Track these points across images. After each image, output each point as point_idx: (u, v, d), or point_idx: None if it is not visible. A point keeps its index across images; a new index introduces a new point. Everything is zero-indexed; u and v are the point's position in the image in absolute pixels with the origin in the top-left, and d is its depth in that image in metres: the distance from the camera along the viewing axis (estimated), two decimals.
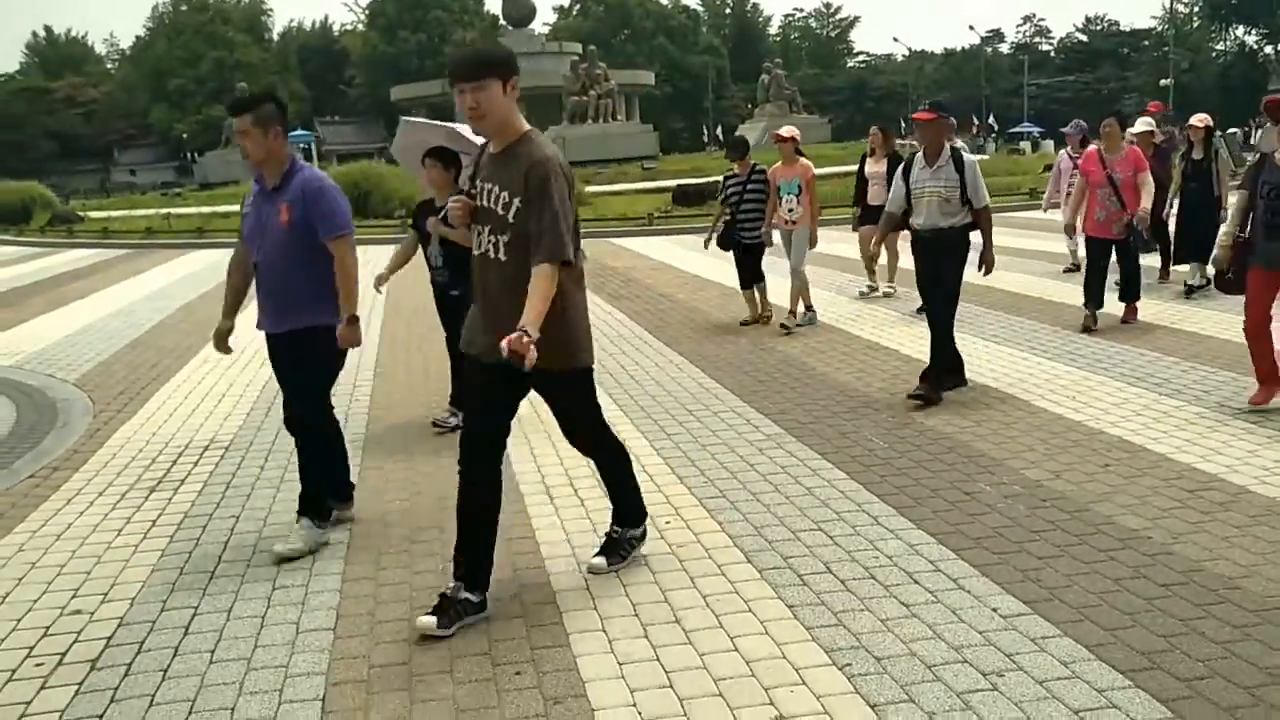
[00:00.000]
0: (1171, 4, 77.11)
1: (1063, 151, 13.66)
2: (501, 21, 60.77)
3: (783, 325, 9.84)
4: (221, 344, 5.13)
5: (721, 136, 57.50)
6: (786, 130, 10.19)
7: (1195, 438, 5.91)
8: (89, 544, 5.06)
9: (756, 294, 10.31)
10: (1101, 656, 3.54)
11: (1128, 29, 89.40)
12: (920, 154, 7.05)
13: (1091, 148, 9.46)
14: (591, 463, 4.66)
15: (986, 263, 7.12)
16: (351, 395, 8.00)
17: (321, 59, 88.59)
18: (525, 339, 3.63)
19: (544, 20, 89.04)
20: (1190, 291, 10.55)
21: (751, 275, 10.20)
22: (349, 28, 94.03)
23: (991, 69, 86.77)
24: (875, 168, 11.48)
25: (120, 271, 19.57)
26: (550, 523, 5.08)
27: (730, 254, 10.27)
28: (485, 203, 3.99)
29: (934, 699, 3.33)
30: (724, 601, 4.10)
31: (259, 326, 4.95)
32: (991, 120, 65.83)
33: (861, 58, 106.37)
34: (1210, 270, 8.74)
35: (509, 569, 4.50)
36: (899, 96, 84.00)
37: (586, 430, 4.38)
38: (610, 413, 7.01)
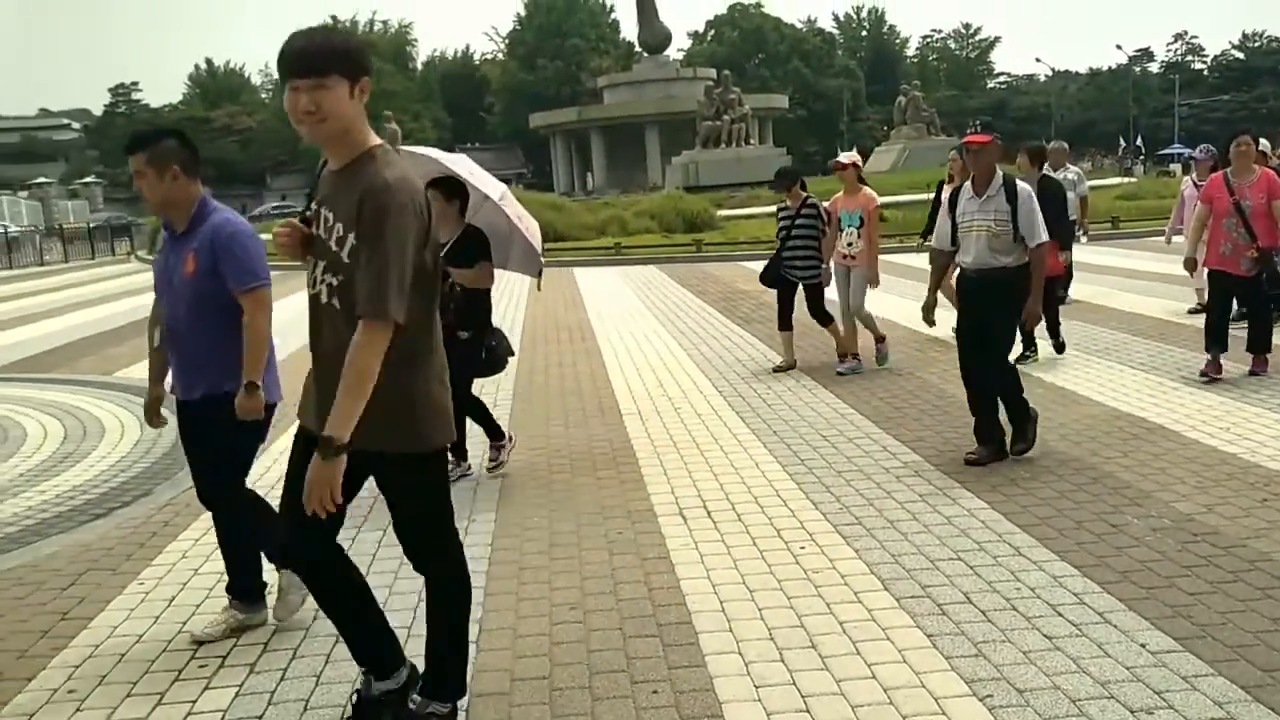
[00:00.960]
0: None
1: (1188, 178, 12.52)
2: (637, 48, 61.54)
3: (840, 367, 9.17)
4: (152, 416, 4.46)
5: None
6: (846, 156, 9.43)
7: None
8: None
9: (804, 334, 9.58)
10: (1260, 698, 3.40)
11: None
12: (969, 183, 6.36)
13: (1218, 173, 8.46)
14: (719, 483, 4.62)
15: (1029, 315, 6.25)
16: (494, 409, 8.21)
17: (463, 87, 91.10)
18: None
19: (679, 46, 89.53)
20: None
21: (816, 316, 9.35)
22: (489, 56, 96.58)
23: (1140, 89, 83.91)
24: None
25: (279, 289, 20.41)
26: (684, 543, 5.13)
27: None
28: (320, 232, 3.17)
29: None
30: (861, 628, 4.08)
31: (171, 390, 4.35)
32: (1139, 142, 63.67)
33: (1002, 78, 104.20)
34: None
35: (644, 587, 4.57)
36: (1042, 117, 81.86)
37: (427, 532, 3.33)
38: (743, 437, 7.08)
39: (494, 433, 6.65)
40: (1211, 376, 7.90)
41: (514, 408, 8.48)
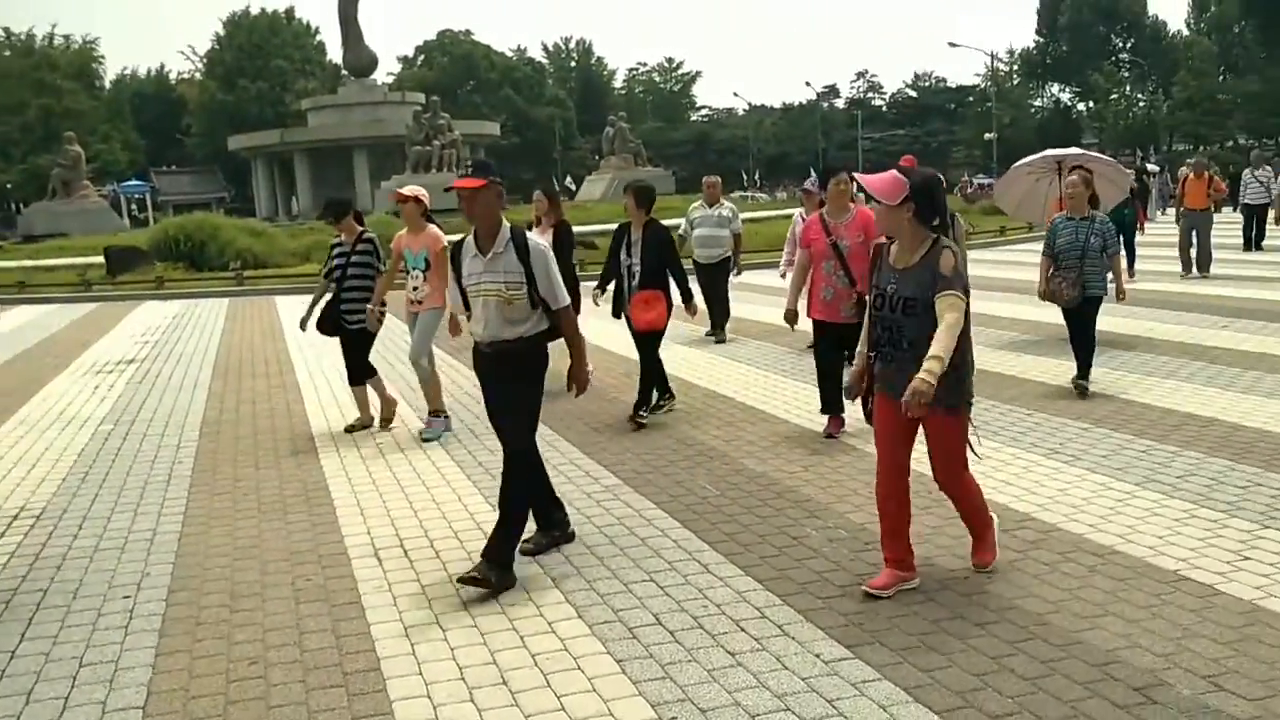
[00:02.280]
0: (993, 62, 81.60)
1: (798, 212, 11.81)
2: (343, 71, 60.02)
3: (384, 422, 8.38)
4: None
5: (573, 187, 57.92)
6: (409, 189, 8.07)
7: (1011, 478, 6.17)
8: None
9: (372, 391, 8.41)
10: (919, 698, 3.63)
11: (954, 85, 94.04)
12: (471, 239, 5.18)
13: (815, 213, 7.74)
14: (419, 520, 4.53)
15: (576, 382, 5.30)
16: (175, 457, 7.69)
17: (157, 108, 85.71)
18: None
19: (388, 70, 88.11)
20: None
21: (359, 369, 8.28)
22: (185, 76, 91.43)
23: (828, 123, 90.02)
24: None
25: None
26: (377, 585, 4.94)
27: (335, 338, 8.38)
28: None
29: None
30: (553, 659, 4.06)
31: None
32: (813, 174, 68.07)
33: (704, 112, 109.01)
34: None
35: (331, 635, 4.37)
36: (741, 149, 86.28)
37: None
38: (447, 470, 6.95)
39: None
40: (831, 434, 7.35)
41: (199, 448, 7.96)
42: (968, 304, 4.40)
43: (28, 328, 17.22)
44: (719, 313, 12.20)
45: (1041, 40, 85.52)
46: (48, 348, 14.74)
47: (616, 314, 8.37)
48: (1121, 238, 15.23)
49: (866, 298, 4.89)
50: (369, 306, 7.99)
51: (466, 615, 4.53)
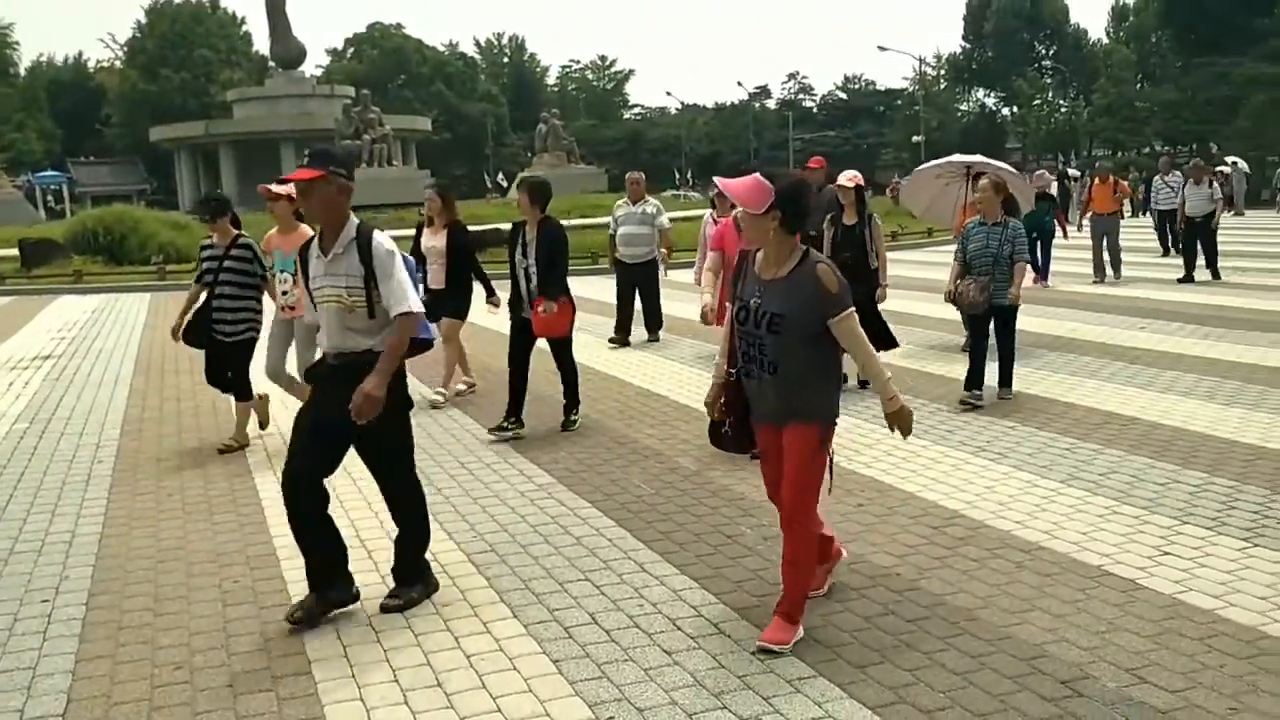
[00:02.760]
0: (920, 66, 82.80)
1: (707, 214, 11.09)
2: (270, 63, 59.03)
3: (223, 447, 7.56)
4: None
5: (505, 183, 57.52)
6: (279, 186, 7.06)
7: (940, 476, 6.26)
8: None
9: (253, 409, 7.80)
10: (853, 694, 3.67)
11: (883, 89, 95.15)
12: (316, 241, 4.54)
13: (727, 217, 7.40)
14: (350, 520, 4.43)
15: (357, 399, 4.22)
16: (95, 456, 7.49)
17: (75, 96, 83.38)
18: None
19: (316, 63, 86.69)
20: (864, 384, 8.43)
21: (238, 386, 7.62)
22: (105, 64, 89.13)
23: (759, 123, 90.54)
24: (433, 241, 8.79)
25: None
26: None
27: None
28: None
29: None
30: (488, 660, 4.02)
31: None
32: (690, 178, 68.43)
33: (637, 110, 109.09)
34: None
35: (260, 638, 4.29)
36: (674, 148, 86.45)
37: None
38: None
39: None
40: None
41: (120, 446, 7.76)
42: None
43: None
44: (650, 314, 12.19)
45: (967, 46, 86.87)
46: None
47: (514, 316, 7.77)
48: (1040, 242, 15.48)
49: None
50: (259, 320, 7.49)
51: (400, 617, 4.47)
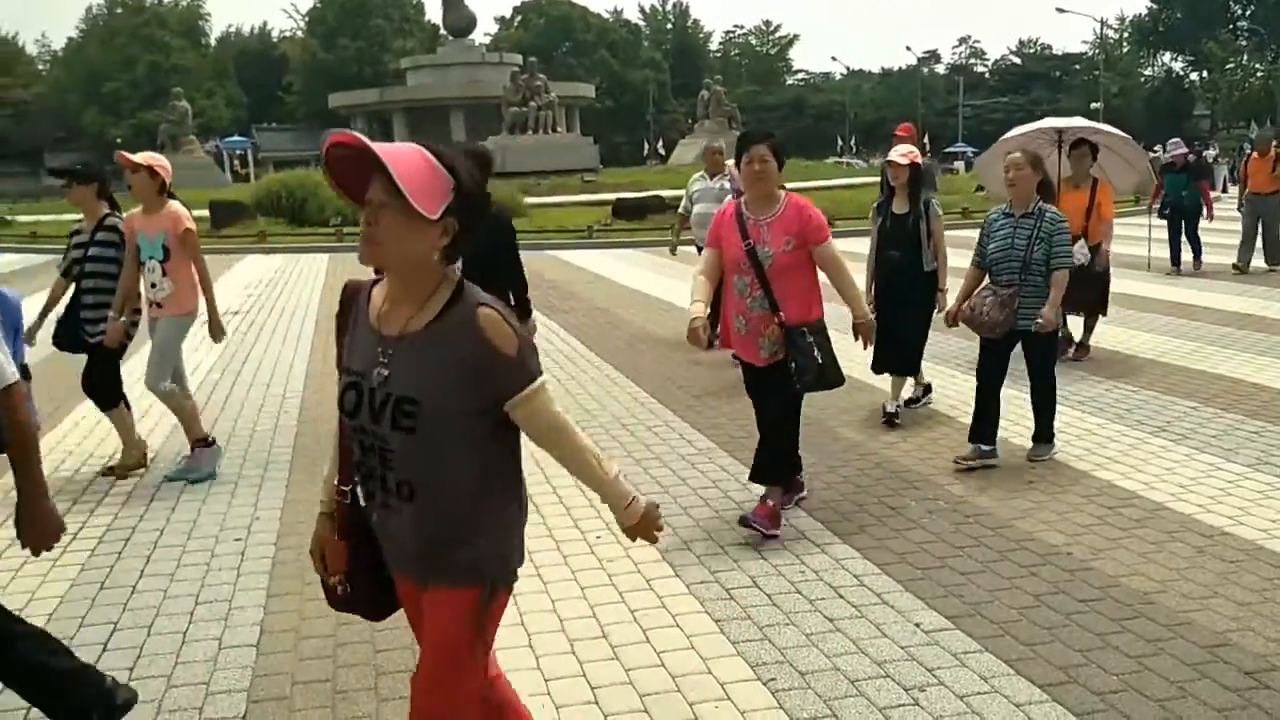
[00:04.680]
0: (1102, 29, 79.11)
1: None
2: (441, 31, 60.46)
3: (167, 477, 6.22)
4: None
5: (663, 150, 57.70)
6: (142, 156, 6.06)
7: (1116, 455, 6.04)
8: (4, 558, 4.93)
9: (128, 416, 6.32)
10: (1021, 671, 3.60)
11: (1060, 53, 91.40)
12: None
13: (731, 200, 6.06)
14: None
15: (25, 532, 3.09)
16: (280, 408, 7.91)
17: (260, 65, 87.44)
18: None
19: (485, 31, 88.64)
20: (891, 420, 6.89)
21: (105, 391, 6.16)
22: (288, 34, 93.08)
23: (928, 89, 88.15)
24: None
25: (47, 278, 19.12)
26: None
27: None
28: None
29: (856, 714, 3.37)
30: (651, 616, 4.11)
31: None
32: (926, 139, 66.78)
33: (800, 76, 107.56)
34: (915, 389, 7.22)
35: None
36: (837, 114, 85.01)
37: None
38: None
39: None
40: (764, 529, 4.87)
41: (304, 399, 8.18)
42: None
43: None
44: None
45: (1154, 6, 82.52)
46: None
47: None
48: (1184, 225, 13.71)
49: (801, 329, 4.82)
50: (109, 314, 5.96)
51: (566, 569, 4.61)
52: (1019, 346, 5.99)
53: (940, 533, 4.92)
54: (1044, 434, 6.12)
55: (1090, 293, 8.30)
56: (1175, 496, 5.32)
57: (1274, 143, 14.29)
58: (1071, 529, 4.91)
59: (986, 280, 5.97)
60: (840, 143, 76.10)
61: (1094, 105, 65.62)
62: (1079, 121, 9.20)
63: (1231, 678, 3.51)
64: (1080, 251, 7.62)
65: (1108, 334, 9.80)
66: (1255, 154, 14.67)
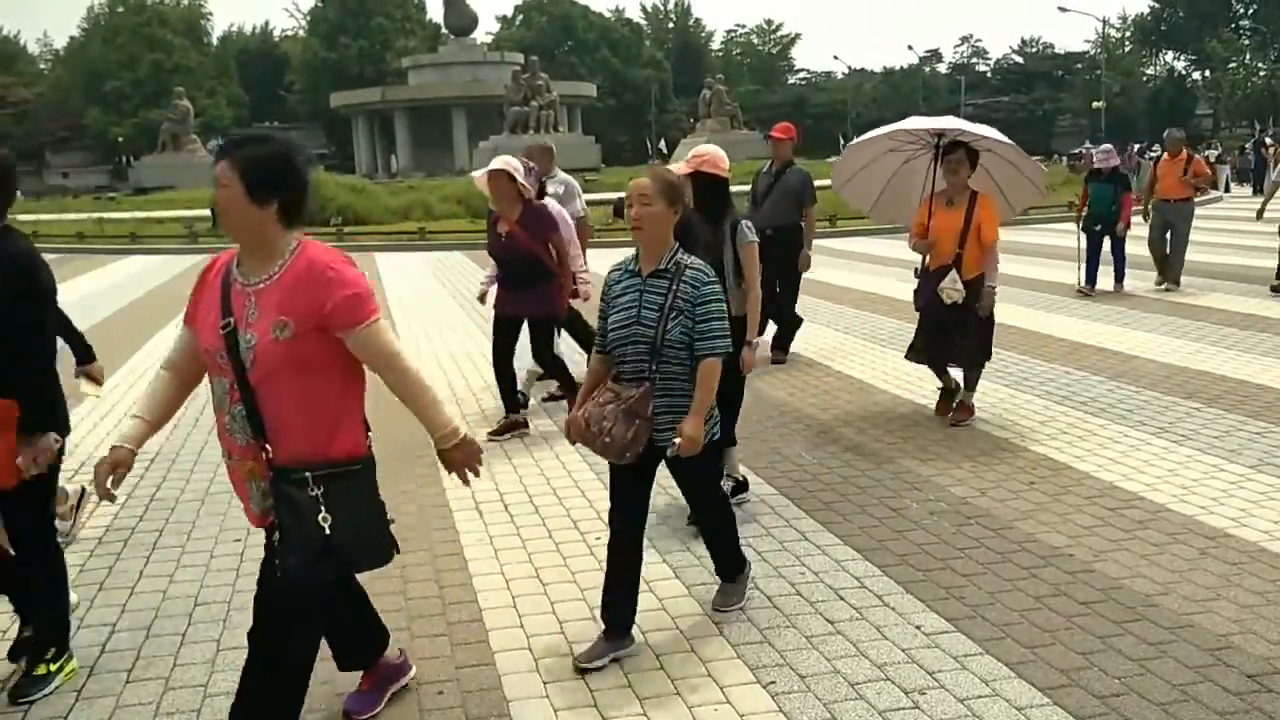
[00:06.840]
0: (1104, 28, 79.03)
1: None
2: (443, 30, 60.47)
3: None
4: None
5: (665, 150, 57.65)
6: None
7: (1118, 457, 6.02)
8: None
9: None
10: (1021, 674, 3.59)
11: (1062, 52, 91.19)
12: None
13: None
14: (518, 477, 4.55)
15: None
16: None
17: (262, 64, 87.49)
18: None
19: (486, 29, 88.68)
20: None
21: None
22: (290, 33, 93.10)
23: (929, 88, 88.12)
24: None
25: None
26: (479, 538, 5.04)
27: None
28: None
29: (856, 717, 3.36)
30: (651, 618, 4.09)
31: None
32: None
33: (802, 75, 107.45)
34: None
35: (435, 585, 4.47)
36: (839, 114, 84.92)
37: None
38: (545, 428, 7.02)
39: None
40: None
41: None
42: None
43: (136, 278, 17.78)
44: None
45: (1156, 5, 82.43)
46: (157, 297, 15.21)
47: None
48: (1111, 242, 11.96)
49: (297, 475, 2.93)
50: None
51: (566, 570, 4.60)
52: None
53: (941, 534, 4.90)
54: (726, 572, 4.20)
55: (969, 339, 6.70)
56: (1177, 498, 5.30)
57: (1186, 144, 12.85)
58: (1073, 531, 4.89)
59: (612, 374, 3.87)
60: (842, 142, 75.93)
61: (1096, 104, 65.63)
62: (956, 123, 6.96)
63: (1234, 681, 3.50)
64: (952, 287, 6.53)
65: (1108, 334, 9.78)
66: (1166, 156, 12.94)
